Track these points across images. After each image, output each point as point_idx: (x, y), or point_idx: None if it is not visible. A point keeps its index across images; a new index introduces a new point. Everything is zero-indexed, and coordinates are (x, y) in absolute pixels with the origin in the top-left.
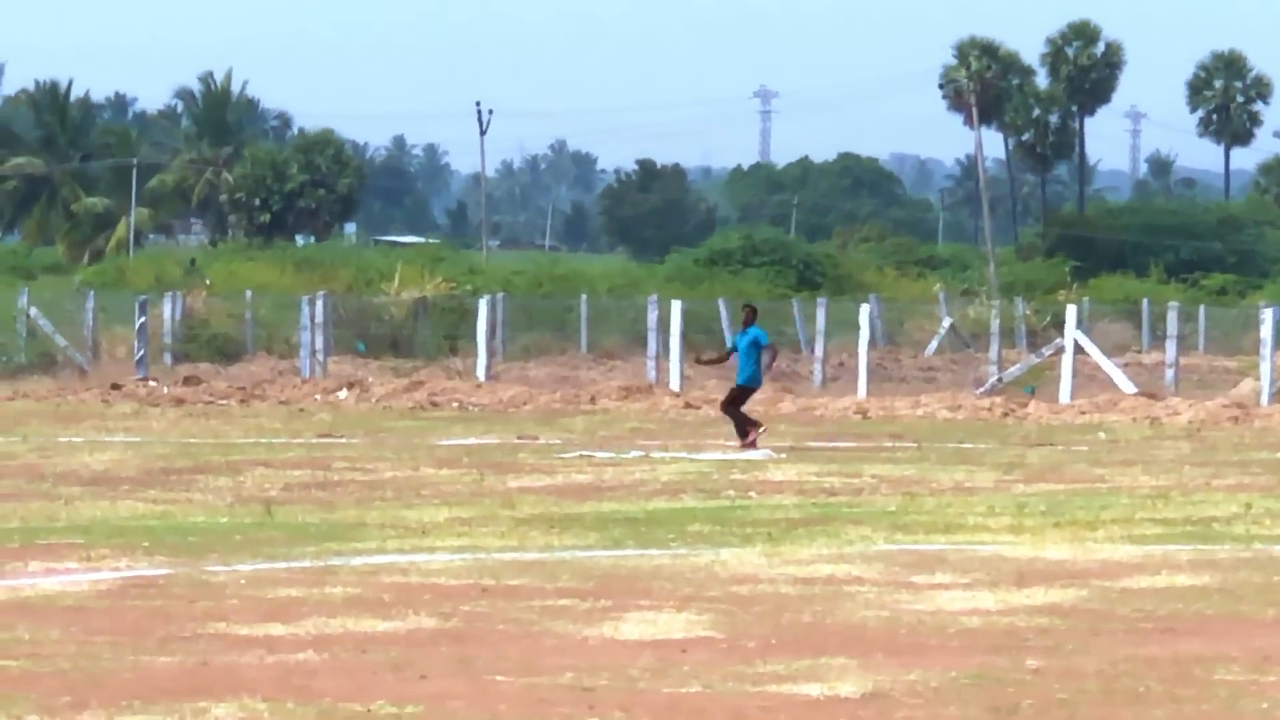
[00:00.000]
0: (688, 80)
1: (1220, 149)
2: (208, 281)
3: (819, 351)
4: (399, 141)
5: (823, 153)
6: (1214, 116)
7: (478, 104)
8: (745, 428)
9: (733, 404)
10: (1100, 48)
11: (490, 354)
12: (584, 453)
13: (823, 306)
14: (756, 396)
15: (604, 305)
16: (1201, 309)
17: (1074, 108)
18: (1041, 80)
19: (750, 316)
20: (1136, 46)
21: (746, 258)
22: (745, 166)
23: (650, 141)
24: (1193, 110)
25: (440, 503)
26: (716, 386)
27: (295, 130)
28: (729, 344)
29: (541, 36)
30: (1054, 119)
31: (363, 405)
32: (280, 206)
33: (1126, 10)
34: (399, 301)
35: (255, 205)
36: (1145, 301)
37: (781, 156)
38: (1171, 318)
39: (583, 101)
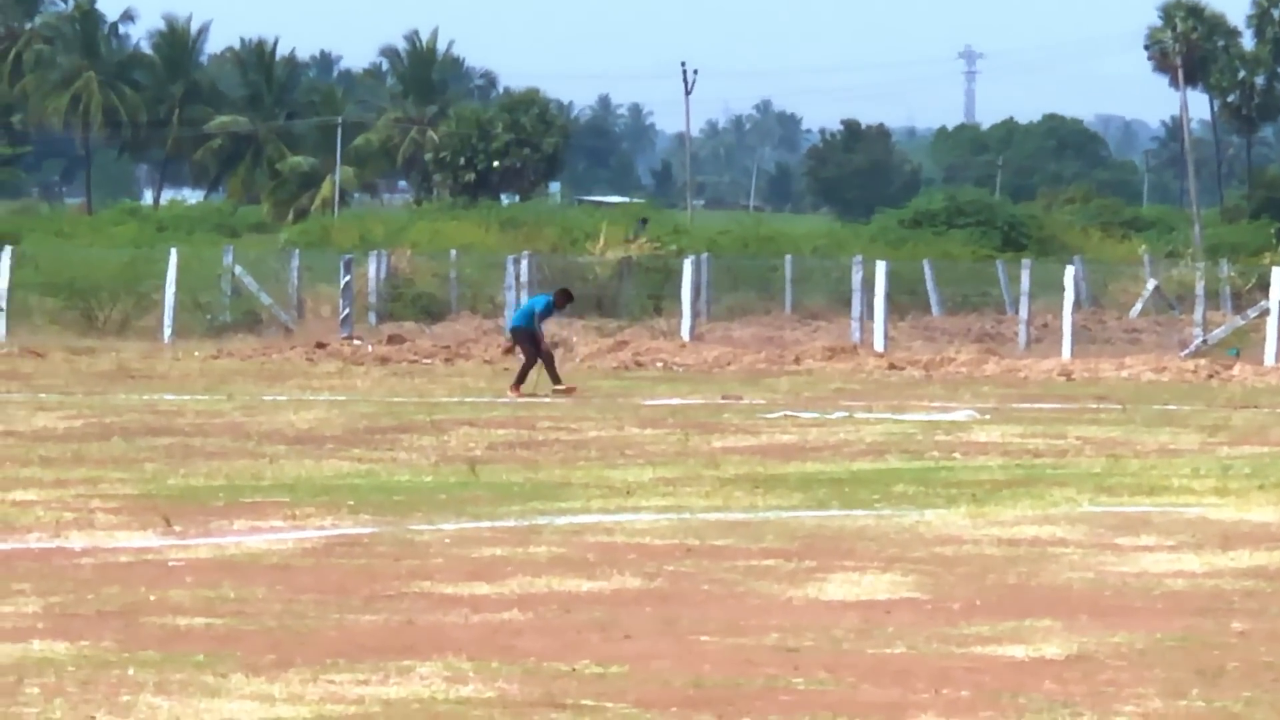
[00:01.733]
0: (893, 41)
1: None
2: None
3: (1023, 313)
4: (604, 101)
5: (1027, 114)
6: None
7: (683, 64)
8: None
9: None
10: None
11: (695, 314)
12: (788, 413)
13: (1027, 268)
14: (962, 358)
15: (808, 266)
16: None
17: None
18: (1247, 42)
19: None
20: None
21: (951, 219)
22: (950, 127)
23: (855, 102)
24: None
25: (645, 463)
26: (923, 348)
27: (500, 89)
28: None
29: None
30: (1260, 80)
31: (567, 365)
32: (485, 166)
33: None
34: (603, 261)
35: (460, 164)
36: None
37: (986, 117)
38: None
39: (788, 61)
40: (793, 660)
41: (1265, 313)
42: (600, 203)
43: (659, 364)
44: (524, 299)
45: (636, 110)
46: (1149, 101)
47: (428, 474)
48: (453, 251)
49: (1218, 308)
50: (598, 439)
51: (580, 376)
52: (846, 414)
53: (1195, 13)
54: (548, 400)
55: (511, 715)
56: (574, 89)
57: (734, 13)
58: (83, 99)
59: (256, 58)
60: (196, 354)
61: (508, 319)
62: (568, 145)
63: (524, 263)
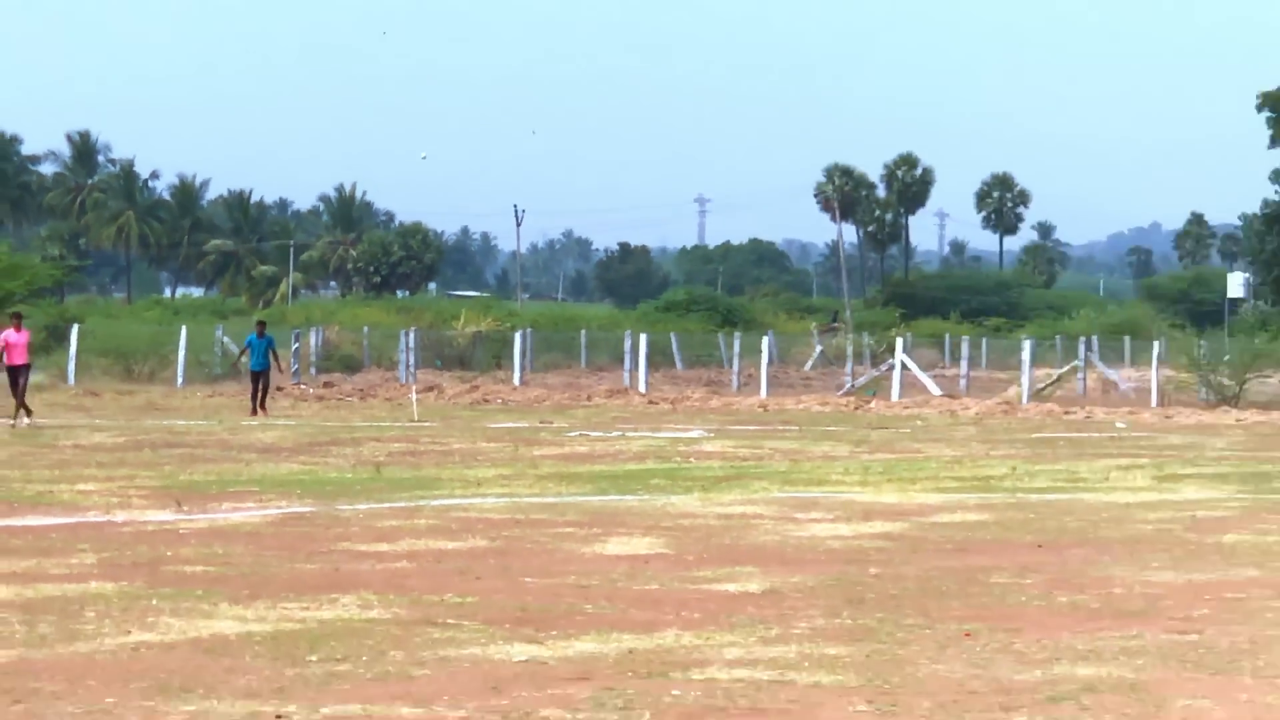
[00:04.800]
0: (638, 185)
1: (996, 237)
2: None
3: (735, 366)
4: (464, 230)
5: (739, 237)
6: (993, 215)
7: (515, 205)
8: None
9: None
10: (919, 170)
11: (522, 368)
12: (582, 433)
13: (738, 338)
14: (696, 396)
15: (595, 336)
16: (984, 340)
17: (902, 209)
18: (881, 191)
19: (261, 330)
20: (943, 169)
21: (690, 306)
22: (689, 247)
23: (629, 229)
24: (979, 211)
25: (489, 465)
26: (669, 389)
27: (397, 222)
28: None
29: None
30: (889, 217)
31: (439, 401)
32: (387, 272)
33: (937, 145)
34: (463, 334)
35: (371, 271)
36: (947, 335)
37: (713, 239)
38: (964, 346)
39: (590, 201)
40: (585, 594)
41: (891, 367)
42: (462, 296)
43: (499, 401)
44: (411, 359)
45: (485, 236)
46: (819, 230)
47: (348, 473)
48: (365, 328)
49: (861, 363)
50: (459, 450)
51: (447, 409)
52: (620, 433)
53: (847, 172)
54: (427, 425)
55: (402, 629)
56: (445, 220)
57: (546, 163)
58: (125, 229)
59: (239, 202)
60: (199, 395)
61: (400, 371)
62: (440, 259)
63: (411, 334)
